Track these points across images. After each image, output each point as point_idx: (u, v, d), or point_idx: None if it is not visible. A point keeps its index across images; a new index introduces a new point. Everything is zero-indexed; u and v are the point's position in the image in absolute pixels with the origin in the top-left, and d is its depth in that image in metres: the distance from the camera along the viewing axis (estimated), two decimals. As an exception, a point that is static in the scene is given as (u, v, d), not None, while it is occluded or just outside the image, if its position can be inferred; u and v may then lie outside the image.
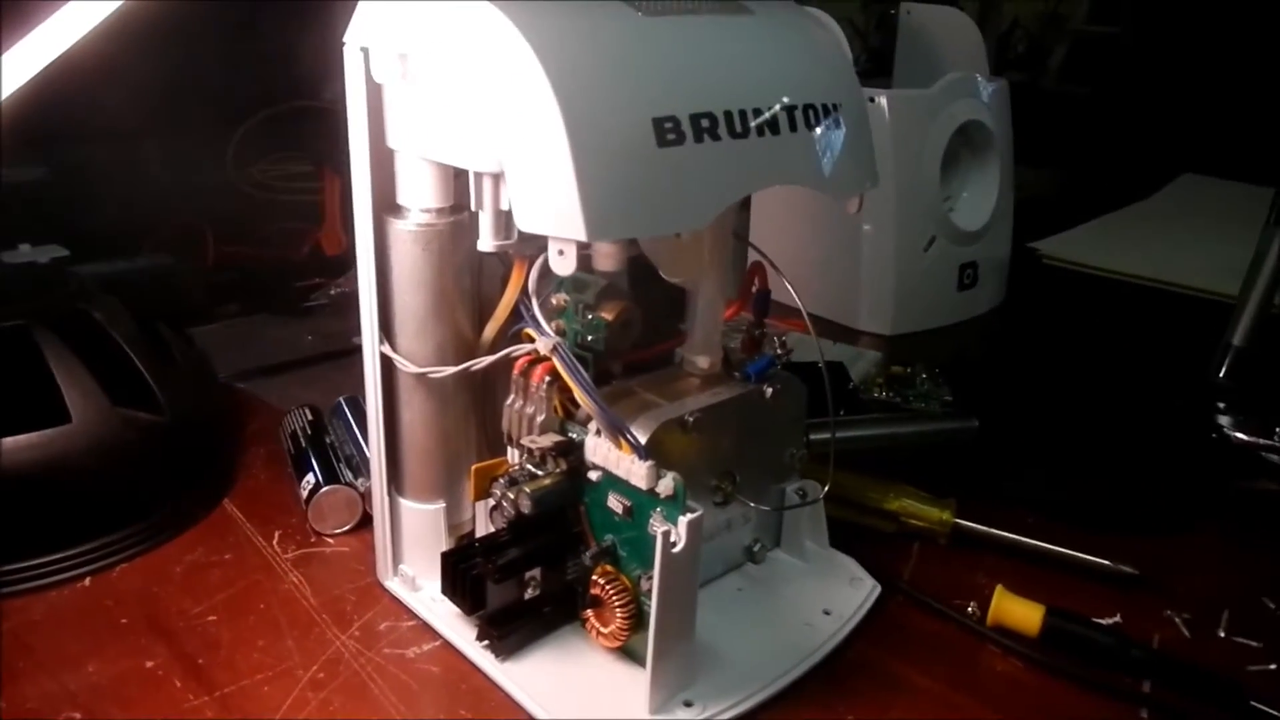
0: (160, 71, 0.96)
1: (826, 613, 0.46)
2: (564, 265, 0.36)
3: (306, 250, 0.93)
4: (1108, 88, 1.50)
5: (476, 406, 0.47)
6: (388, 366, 0.45)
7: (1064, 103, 1.47)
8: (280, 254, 0.92)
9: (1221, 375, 0.70)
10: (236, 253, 0.91)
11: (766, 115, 0.39)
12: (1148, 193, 1.30)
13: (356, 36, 0.40)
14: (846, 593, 0.48)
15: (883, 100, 0.78)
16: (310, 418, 0.58)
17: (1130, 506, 0.57)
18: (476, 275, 0.45)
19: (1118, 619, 0.47)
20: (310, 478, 0.52)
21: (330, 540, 0.52)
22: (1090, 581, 0.50)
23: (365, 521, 0.52)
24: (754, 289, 0.48)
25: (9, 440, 0.47)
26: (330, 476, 0.52)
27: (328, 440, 0.56)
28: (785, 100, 0.40)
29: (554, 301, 0.45)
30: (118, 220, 0.92)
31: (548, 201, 0.35)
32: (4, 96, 0.53)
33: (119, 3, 0.56)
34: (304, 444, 0.55)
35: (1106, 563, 0.50)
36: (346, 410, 0.59)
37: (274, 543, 0.51)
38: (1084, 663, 0.44)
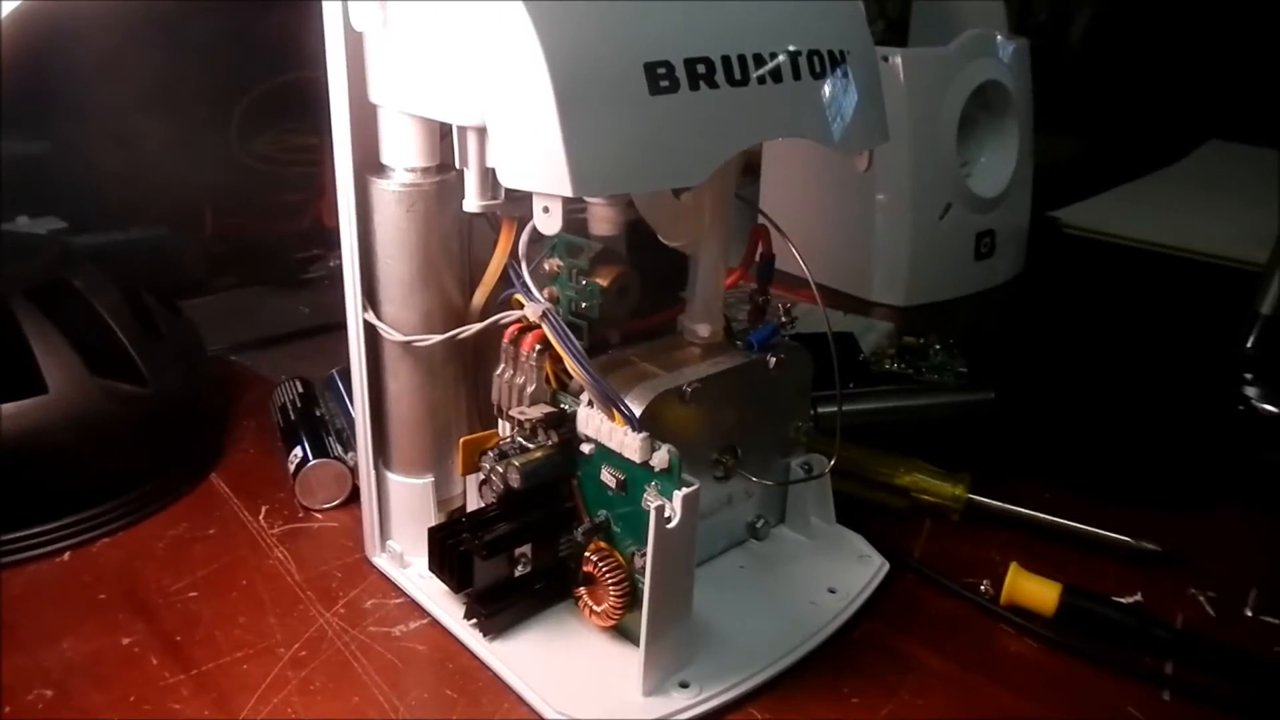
0: (165, 43, 0.94)
1: (832, 591, 0.44)
2: (549, 224, 0.34)
3: (307, 222, 0.91)
4: (1133, 52, 1.45)
5: (466, 376, 0.45)
6: (372, 335, 0.43)
7: (1087, 67, 1.43)
8: (279, 226, 0.90)
9: (1249, 345, 0.67)
10: (235, 225, 0.90)
11: (769, 62, 0.36)
12: (1173, 159, 1.26)
13: (334, -18, 0.38)
14: (854, 570, 0.46)
15: (897, 59, 0.75)
16: (300, 390, 0.57)
17: (1153, 481, 0.55)
18: (466, 239, 0.43)
19: (1139, 598, 0.45)
20: (298, 451, 0.51)
21: (318, 515, 0.50)
22: (1110, 559, 0.48)
23: (355, 496, 0.50)
24: (757, 254, 0.46)
25: (-16, 412, 0.45)
26: (319, 450, 0.51)
27: (318, 413, 0.55)
28: (789, 46, 0.37)
29: (547, 267, 0.43)
30: (119, 193, 0.90)
31: (530, 154, 0.32)
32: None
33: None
34: (293, 417, 0.54)
35: (1128, 539, 0.48)
36: (339, 382, 0.57)
37: (260, 518, 0.50)
38: (1103, 643, 0.42)
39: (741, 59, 0.36)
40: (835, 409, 0.53)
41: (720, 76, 0.35)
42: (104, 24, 0.83)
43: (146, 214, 0.88)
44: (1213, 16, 1.37)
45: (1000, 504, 0.50)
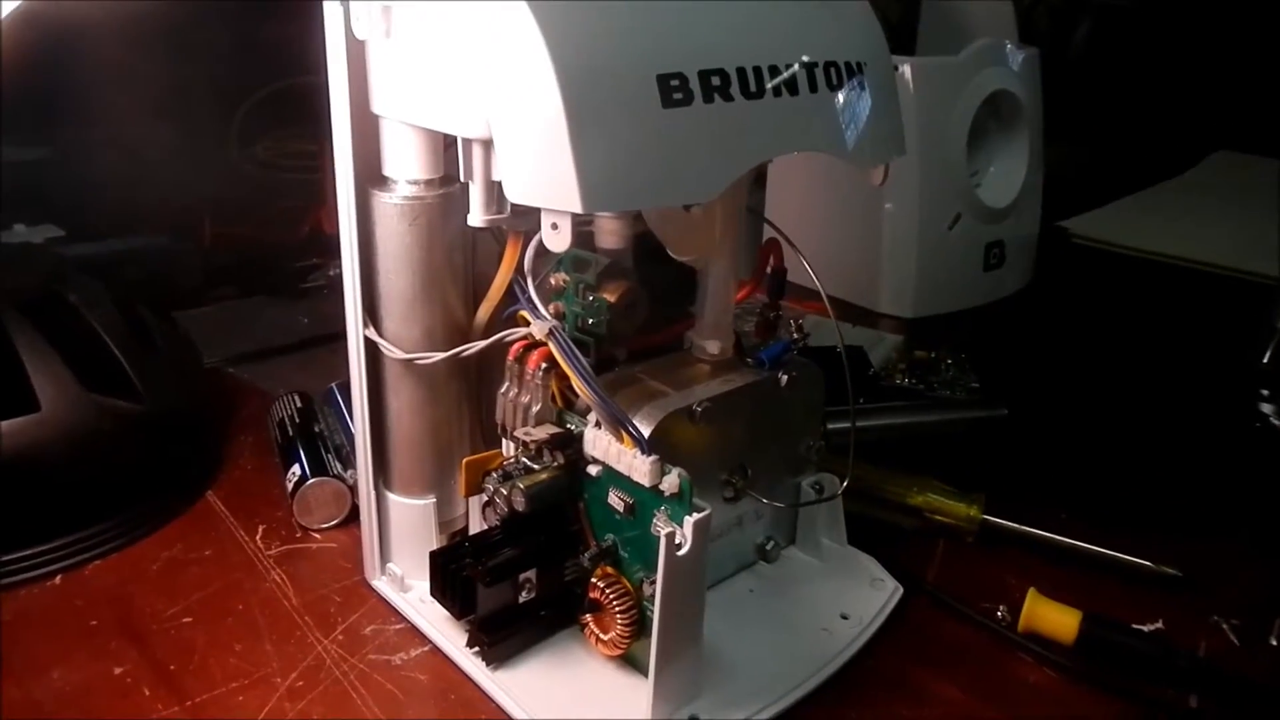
0: (165, 48, 0.93)
1: (844, 617, 0.43)
2: (558, 241, 0.33)
3: (306, 230, 0.90)
4: (1137, 63, 1.45)
5: (470, 395, 0.43)
6: (373, 352, 0.41)
7: (1093, 78, 1.42)
8: (278, 234, 0.89)
9: (1265, 361, 0.66)
10: (234, 233, 0.88)
11: (784, 74, 0.35)
12: (1180, 170, 1.25)
13: (335, -11, 0.37)
14: (866, 595, 0.45)
15: (907, 69, 0.74)
16: (299, 405, 0.55)
17: (1169, 501, 0.54)
18: (469, 253, 0.42)
19: (1160, 625, 0.44)
20: (296, 469, 0.49)
21: (317, 535, 0.49)
22: (1130, 584, 0.46)
23: (354, 515, 0.48)
24: (769, 268, 0.44)
25: (-27, 430, 0.44)
26: (317, 468, 0.49)
27: (317, 429, 0.53)
28: (805, 58, 0.36)
29: (553, 282, 0.42)
30: (118, 201, 0.89)
31: (539, 169, 0.31)
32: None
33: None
34: (291, 433, 0.53)
35: (1148, 563, 0.46)
36: (339, 396, 0.56)
37: (257, 538, 0.48)
38: (1123, 673, 0.41)
39: (757, 70, 0.34)
40: (846, 426, 0.52)
41: (735, 89, 0.34)
42: (103, 29, 0.82)
43: (145, 221, 0.87)
44: (1218, 27, 1.36)
45: (1016, 525, 0.49)
